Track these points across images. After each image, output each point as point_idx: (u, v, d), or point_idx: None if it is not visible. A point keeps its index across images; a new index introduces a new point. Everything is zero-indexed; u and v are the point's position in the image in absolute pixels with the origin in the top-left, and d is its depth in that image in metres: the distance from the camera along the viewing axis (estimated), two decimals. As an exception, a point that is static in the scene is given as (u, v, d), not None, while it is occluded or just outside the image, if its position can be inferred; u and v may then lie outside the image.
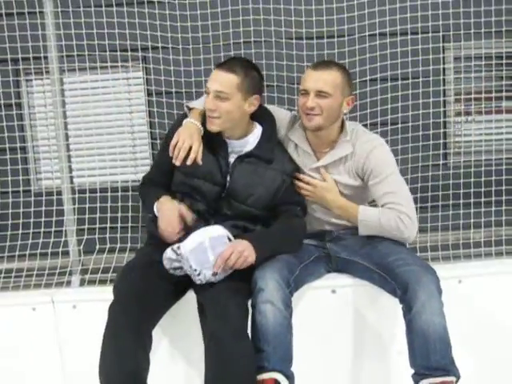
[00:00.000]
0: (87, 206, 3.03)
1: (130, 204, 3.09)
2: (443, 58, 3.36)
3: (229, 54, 3.08)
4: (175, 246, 2.24)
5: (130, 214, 3.09)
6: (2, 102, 3.16)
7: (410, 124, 3.16)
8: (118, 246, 3.02)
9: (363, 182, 2.49)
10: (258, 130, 2.49)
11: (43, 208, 3.07)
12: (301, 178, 2.51)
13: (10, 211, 3.09)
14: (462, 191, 3.09)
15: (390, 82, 3.15)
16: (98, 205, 3.07)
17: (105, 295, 2.31)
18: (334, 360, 2.56)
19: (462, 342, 2.24)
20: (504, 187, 3.09)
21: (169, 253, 2.25)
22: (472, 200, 3.08)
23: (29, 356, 2.68)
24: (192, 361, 2.52)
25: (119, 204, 3.08)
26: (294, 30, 3.11)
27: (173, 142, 2.35)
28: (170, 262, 2.26)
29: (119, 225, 3.07)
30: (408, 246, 2.47)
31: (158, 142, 2.97)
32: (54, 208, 3.04)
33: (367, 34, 3.12)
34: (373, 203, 2.57)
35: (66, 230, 2.95)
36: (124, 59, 3.25)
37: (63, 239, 2.98)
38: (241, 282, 2.25)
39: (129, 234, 3.07)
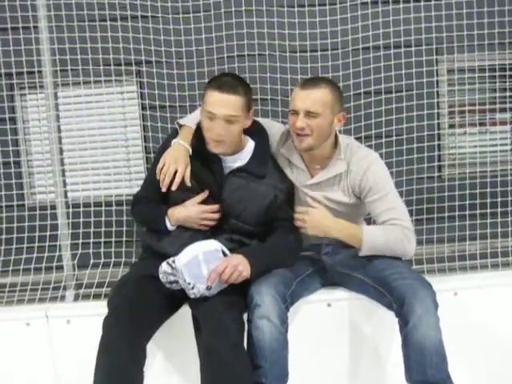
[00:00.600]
0: (81, 220, 3.02)
1: (124, 218, 3.08)
2: (436, 70, 3.37)
3: (222, 68, 3.10)
4: (170, 260, 2.25)
5: (124, 229, 3.08)
6: (-4, 116, 3.16)
7: (405, 136, 3.16)
8: (113, 260, 3.01)
9: (359, 199, 2.46)
10: (250, 144, 2.47)
11: (37, 222, 3.06)
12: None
13: (4, 225, 3.08)
14: (456, 203, 3.10)
15: (384, 94, 3.17)
16: (92, 219, 3.06)
17: (99, 310, 2.29)
18: (330, 374, 2.54)
19: (458, 354, 2.23)
20: (499, 199, 3.11)
21: (164, 266, 2.25)
22: (467, 212, 3.09)
23: (23, 371, 2.65)
24: (187, 376, 2.51)
25: (113, 218, 3.08)
26: (288, 43, 3.13)
27: (159, 166, 2.38)
28: (165, 276, 2.25)
29: (113, 239, 3.06)
30: (403, 259, 2.45)
31: (152, 155, 2.96)
32: (48, 222, 3.03)
33: (360, 46, 3.14)
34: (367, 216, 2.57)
35: (60, 245, 2.94)
36: (118, 73, 3.26)
37: (57, 254, 2.97)
38: (235, 295, 2.24)
39: (123, 249, 3.05)
